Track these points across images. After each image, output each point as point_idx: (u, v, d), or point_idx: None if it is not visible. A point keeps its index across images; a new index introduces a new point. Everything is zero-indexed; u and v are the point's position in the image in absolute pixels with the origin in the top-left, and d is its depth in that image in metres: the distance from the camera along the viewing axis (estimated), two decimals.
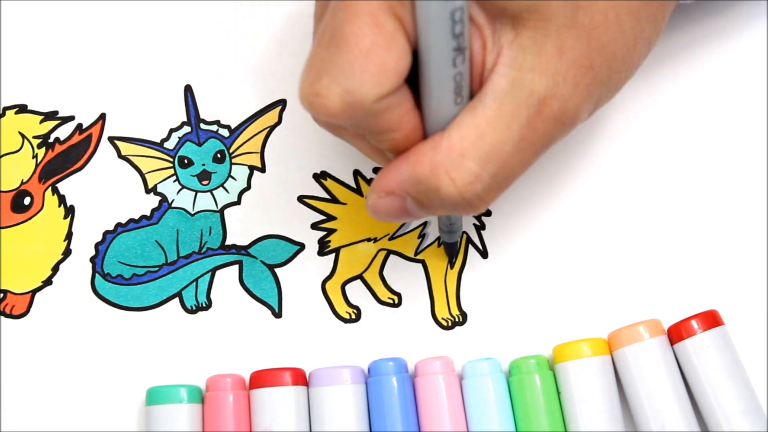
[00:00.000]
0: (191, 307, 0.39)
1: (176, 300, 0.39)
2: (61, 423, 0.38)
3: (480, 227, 0.39)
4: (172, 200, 0.40)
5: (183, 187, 0.40)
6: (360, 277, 0.39)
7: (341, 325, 0.38)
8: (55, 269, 0.39)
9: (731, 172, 0.39)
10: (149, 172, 0.40)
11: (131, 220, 0.39)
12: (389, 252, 0.39)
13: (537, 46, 0.28)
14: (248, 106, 0.40)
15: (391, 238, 0.39)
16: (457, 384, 0.36)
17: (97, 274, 0.39)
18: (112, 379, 0.38)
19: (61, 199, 0.39)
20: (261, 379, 0.36)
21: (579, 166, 0.39)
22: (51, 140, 0.40)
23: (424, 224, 0.39)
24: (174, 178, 0.40)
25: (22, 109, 0.40)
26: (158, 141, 0.40)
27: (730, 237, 0.38)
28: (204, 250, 0.39)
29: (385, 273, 0.39)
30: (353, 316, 0.39)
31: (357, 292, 0.39)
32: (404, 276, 0.39)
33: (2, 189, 0.40)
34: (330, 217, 0.39)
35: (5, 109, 0.40)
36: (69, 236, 0.39)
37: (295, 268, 0.39)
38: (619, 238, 0.38)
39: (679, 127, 0.39)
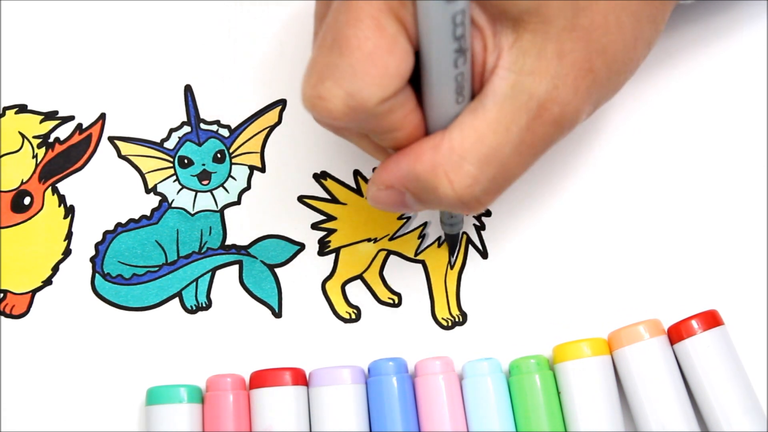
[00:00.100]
0: (191, 307, 0.39)
1: (176, 300, 0.39)
2: (61, 423, 0.38)
3: (480, 227, 0.39)
4: (172, 200, 0.40)
5: (183, 187, 0.40)
6: (360, 277, 0.39)
7: (341, 325, 0.38)
8: (55, 269, 0.39)
9: (732, 172, 0.39)
10: (149, 172, 0.40)
11: (131, 220, 0.39)
12: (389, 252, 0.39)
13: (537, 49, 0.28)
14: (248, 106, 0.40)
15: (391, 239, 0.39)
16: (457, 384, 0.36)
17: (97, 274, 0.39)
18: (112, 379, 0.38)
19: (61, 199, 0.39)
20: (261, 379, 0.36)
21: (579, 167, 0.39)
22: (51, 140, 0.40)
23: (424, 224, 0.39)
24: (174, 178, 0.40)
25: (22, 109, 0.40)
26: (158, 141, 0.40)
27: (730, 237, 0.38)
28: (204, 250, 0.39)
29: (385, 273, 0.39)
30: (353, 316, 0.39)
31: (357, 292, 0.39)
32: (404, 276, 0.39)
33: (2, 189, 0.40)
34: (330, 217, 0.39)
35: (5, 109, 0.40)
36: (69, 236, 0.39)
37: (295, 268, 0.39)
38: (618, 238, 0.38)
39: (679, 127, 0.39)
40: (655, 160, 0.39)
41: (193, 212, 0.39)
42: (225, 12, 0.41)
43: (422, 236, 0.39)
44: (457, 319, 0.38)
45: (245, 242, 0.39)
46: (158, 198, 0.40)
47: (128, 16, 0.41)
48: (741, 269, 0.38)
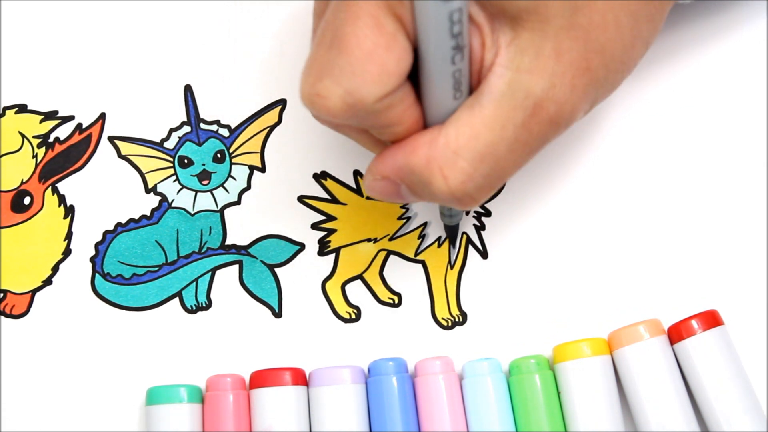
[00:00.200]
0: (191, 307, 0.39)
1: (176, 300, 0.39)
2: (61, 423, 0.38)
3: (480, 227, 0.39)
4: (172, 200, 0.40)
5: (183, 186, 0.40)
6: (360, 277, 0.39)
7: (341, 325, 0.38)
8: (55, 269, 0.39)
9: (732, 172, 0.39)
10: (149, 172, 0.40)
11: (131, 220, 0.39)
12: (389, 252, 0.39)
13: (535, 47, 0.28)
14: (248, 106, 0.40)
15: (391, 239, 0.39)
16: (457, 384, 0.36)
17: (97, 274, 0.39)
18: (112, 379, 0.38)
19: (61, 199, 0.39)
20: (261, 379, 0.36)
21: (579, 167, 0.39)
22: (51, 140, 0.40)
23: (424, 224, 0.39)
24: (174, 177, 0.40)
25: (22, 108, 0.40)
26: (158, 141, 0.40)
27: (730, 237, 0.38)
28: (204, 250, 0.39)
29: (385, 273, 0.39)
30: (353, 316, 0.39)
31: (357, 292, 0.39)
32: (404, 276, 0.39)
33: (2, 189, 0.40)
34: (330, 217, 0.39)
35: (5, 109, 0.40)
36: (69, 236, 0.39)
37: (295, 268, 0.39)
38: (619, 238, 0.38)
39: (679, 127, 0.39)
40: (655, 160, 0.39)
41: (193, 212, 0.39)
42: (225, 12, 0.41)
43: (422, 236, 0.39)
44: (457, 319, 0.38)
45: (245, 242, 0.39)
46: (158, 198, 0.40)
47: (128, 16, 0.41)
48: (741, 269, 0.38)
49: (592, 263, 0.38)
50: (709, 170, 0.39)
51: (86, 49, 0.41)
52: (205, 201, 0.40)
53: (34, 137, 0.40)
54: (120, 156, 0.40)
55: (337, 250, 0.39)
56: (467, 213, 0.39)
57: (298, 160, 0.40)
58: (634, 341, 0.36)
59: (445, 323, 0.38)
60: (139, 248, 0.39)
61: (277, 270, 0.39)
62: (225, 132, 0.40)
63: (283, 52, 0.41)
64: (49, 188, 0.40)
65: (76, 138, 0.40)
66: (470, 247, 0.39)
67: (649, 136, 0.39)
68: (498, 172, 0.30)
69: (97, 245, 0.39)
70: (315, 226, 0.39)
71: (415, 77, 0.29)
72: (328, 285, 0.39)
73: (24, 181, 0.40)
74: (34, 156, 0.40)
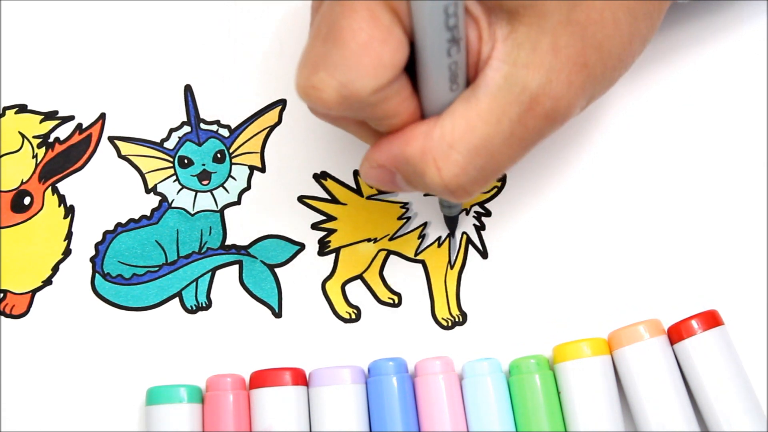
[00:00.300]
0: (191, 307, 0.39)
1: (176, 300, 0.39)
2: (61, 423, 0.38)
3: (480, 227, 0.39)
4: (172, 200, 0.40)
5: (183, 187, 0.40)
6: (360, 277, 0.39)
7: (341, 325, 0.38)
8: (55, 269, 0.39)
9: (732, 171, 0.39)
10: (149, 172, 0.40)
11: (131, 220, 0.39)
12: (389, 252, 0.39)
13: (532, 42, 0.28)
14: (248, 106, 0.40)
15: (391, 239, 0.39)
16: (457, 384, 0.36)
17: (97, 274, 0.39)
18: (112, 379, 0.38)
19: (61, 199, 0.39)
20: (261, 379, 0.36)
21: (579, 167, 0.39)
22: (51, 140, 0.40)
23: (424, 224, 0.39)
24: (174, 178, 0.40)
25: (22, 108, 0.40)
26: (158, 141, 0.40)
27: (730, 237, 0.38)
28: (204, 250, 0.39)
29: (385, 273, 0.39)
30: (353, 316, 0.39)
31: (357, 292, 0.39)
32: (404, 276, 0.39)
33: (2, 189, 0.40)
34: (330, 218, 0.39)
35: (5, 109, 0.40)
36: (69, 236, 0.39)
37: (295, 268, 0.39)
38: (619, 238, 0.38)
39: (679, 126, 0.39)
40: (655, 160, 0.39)
41: (193, 212, 0.39)
42: (225, 12, 0.41)
43: (422, 236, 0.39)
44: (457, 319, 0.38)
45: (245, 242, 0.39)
46: (158, 198, 0.40)
47: (128, 16, 0.41)
48: (741, 269, 0.38)
49: (592, 263, 0.38)
50: (710, 170, 0.39)
51: (86, 49, 0.41)
52: (205, 201, 0.40)
53: (34, 137, 0.40)
54: (120, 156, 0.40)
55: (337, 250, 0.39)
56: (467, 213, 0.39)
57: (298, 160, 0.40)
58: (634, 341, 0.35)
59: (445, 323, 0.38)
60: (139, 248, 0.39)
61: (277, 270, 0.39)
62: (225, 132, 0.40)
63: (282, 52, 0.41)
64: (49, 188, 0.40)
65: (76, 138, 0.40)
66: (470, 247, 0.39)
67: (649, 137, 0.39)
68: (493, 165, 0.30)
69: (97, 245, 0.39)
70: (315, 226, 0.39)
71: (411, 69, 0.29)
72: (328, 285, 0.39)
73: (24, 181, 0.40)
74: (34, 156, 0.40)
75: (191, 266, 0.39)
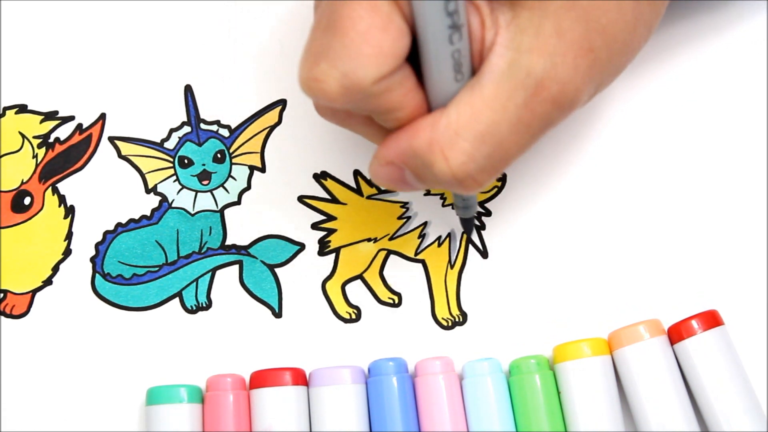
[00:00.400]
0: (191, 307, 0.39)
1: (176, 300, 0.39)
2: (61, 423, 0.38)
3: (480, 227, 0.39)
4: (172, 200, 0.40)
5: (183, 187, 0.40)
6: (360, 277, 0.39)
7: (341, 325, 0.38)
8: (55, 269, 0.39)
9: (732, 171, 0.39)
10: (149, 172, 0.40)
11: (131, 220, 0.39)
12: (389, 252, 0.39)
13: (535, 27, 0.28)
14: (248, 106, 0.40)
15: (391, 238, 0.39)
16: (457, 384, 0.36)
17: (97, 274, 0.39)
18: (112, 379, 0.38)
19: (61, 199, 0.39)
20: (261, 379, 0.36)
21: (579, 167, 0.39)
22: (51, 140, 0.40)
23: (424, 224, 0.39)
24: (174, 178, 0.40)
25: (22, 109, 0.40)
26: (158, 141, 0.40)
27: (730, 237, 0.38)
28: (204, 250, 0.39)
29: (385, 273, 0.39)
30: (353, 316, 0.39)
31: (357, 292, 0.39)
32: (404, 276, 0.39)
33: (2, 189, 0.40)
34: (330, 217, 0.39)
35: (5, 109, 0.40)
36: (69, 236, 0.39)
37: (295, 268, 0.39)
38: (619, 237, 0.38)
39: (680, 126, 0.39)
40: (655, 160, 0.39)
41: (193, 212, 0.39)
42: (225, 12, 0.41)
43: (422, 236, 0.39)
44: (457, 319, 0.38)
45: (245, 242, 0.39)
46: (158, 198, 0.40)
47: (128, 16, 0.41)
48: (741, 269, 0.38)
49: (592, 263, 0.38)
50: (710, 169, 0.39)
51: (86, 49, 0.41)
52: (205, 201, 0.40)
53: (35, 137, 0.40)
54: (120, 156, 0.40)
55: (337, 250, 0.39)
56: None
57: (298, 160, 0.40)
58: (634, 341, 0.35)
59: (445, 323, 0.38)
60: (140, 248, 0.39)
61: (277, 270, 0.39)
62: (225, 132, 0.40)
63: (282, 52, 0.41)
64: (50, 188, 0.40)
65: (77, 138, 0.40)
66: (470, 247, 0.39)
67: (649, 136, 0.39)
68: (500, 153, 0.29)
69: (97, 245, 0.39)
70: (315, 226, 0.39)
71: (416, 62, 0.29)
72: (328, 285, 0.39)
73: (24, 181, 0.40)
74: (35, 156, 0.40)
75: (191, 266, 0.39)
